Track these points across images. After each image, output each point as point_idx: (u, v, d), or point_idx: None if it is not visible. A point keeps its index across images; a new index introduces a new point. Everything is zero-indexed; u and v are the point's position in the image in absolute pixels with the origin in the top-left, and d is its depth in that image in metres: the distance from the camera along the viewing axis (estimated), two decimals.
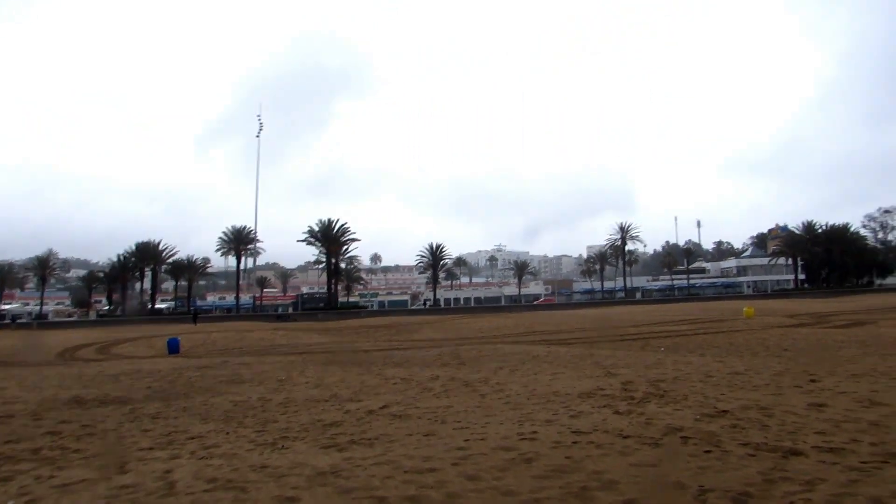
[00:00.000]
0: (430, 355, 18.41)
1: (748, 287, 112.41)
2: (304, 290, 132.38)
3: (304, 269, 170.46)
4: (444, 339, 29.40)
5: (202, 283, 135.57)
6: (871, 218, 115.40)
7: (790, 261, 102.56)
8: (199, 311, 75.04)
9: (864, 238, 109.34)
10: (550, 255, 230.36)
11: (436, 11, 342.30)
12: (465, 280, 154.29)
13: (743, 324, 27.52)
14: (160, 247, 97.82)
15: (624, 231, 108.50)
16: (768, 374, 10.83)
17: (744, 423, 6.58)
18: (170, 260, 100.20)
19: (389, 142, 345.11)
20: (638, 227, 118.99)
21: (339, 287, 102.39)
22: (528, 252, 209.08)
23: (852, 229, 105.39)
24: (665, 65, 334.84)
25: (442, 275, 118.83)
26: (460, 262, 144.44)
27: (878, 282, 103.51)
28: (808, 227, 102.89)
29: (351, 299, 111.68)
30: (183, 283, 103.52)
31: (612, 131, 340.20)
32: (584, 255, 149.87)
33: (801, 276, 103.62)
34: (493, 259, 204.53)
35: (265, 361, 18.75)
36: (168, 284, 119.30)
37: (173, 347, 26.72)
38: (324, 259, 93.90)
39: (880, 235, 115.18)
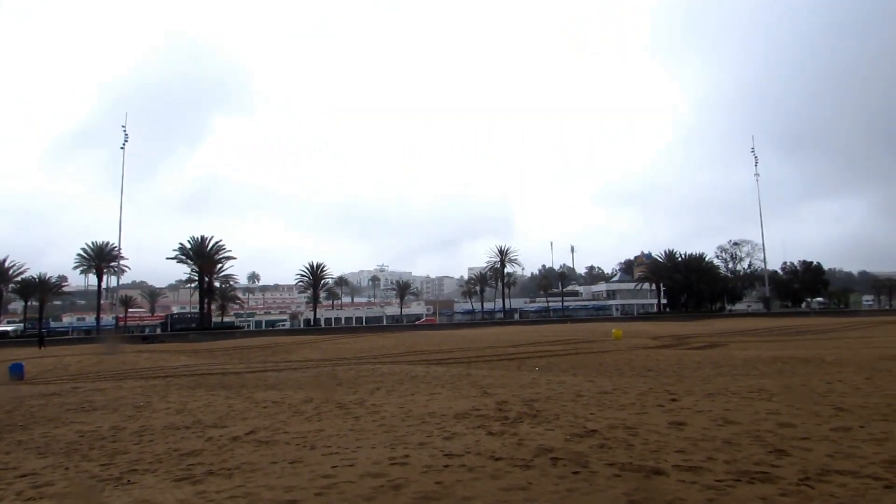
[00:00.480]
0: (305, 376, 17.73)
1: (617, 310, 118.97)
2: (175, 309, 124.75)
3: (174, 287, 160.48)
4: (323, 359, 28.56)
5: (57, 302, 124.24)
6: (722, 249, 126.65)
7: (654, 286, 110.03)
8: (46, 334, 68.23)
9: (717, 267, 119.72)
10: (433, 275, 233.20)
11: (320, 27, 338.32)
12: (347, 300, 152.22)
13: (612, 345, 28.94)
14: (6, 264, 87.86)
15: (503, 254, 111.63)
16: (634, 393, 11.29)
17: (611, 442, 6.72)
18: (18, 278, 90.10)
19: (271, 159, 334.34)
20: (516, 250, 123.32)
21: (213, 307, 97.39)
22: (410, 273, 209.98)
23: (707, 259, 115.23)
24: (546, 100, 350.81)
25: (323, 294, 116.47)
26: (342, 281, 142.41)
27: (728, 307, 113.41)
28: (670, 256, 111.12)
29: (226, 319, 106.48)
30: (35, 303, 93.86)
31: (494, 159, 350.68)
32: (466, 277, 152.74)
33: (664, 301, 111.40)
34: (375, 279, 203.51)
35: (123, 387, 17.19)
36: (17, 305, 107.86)
37: (16, 373, 23.92)
38: (196, 277, 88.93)
39: (730, 265, 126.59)
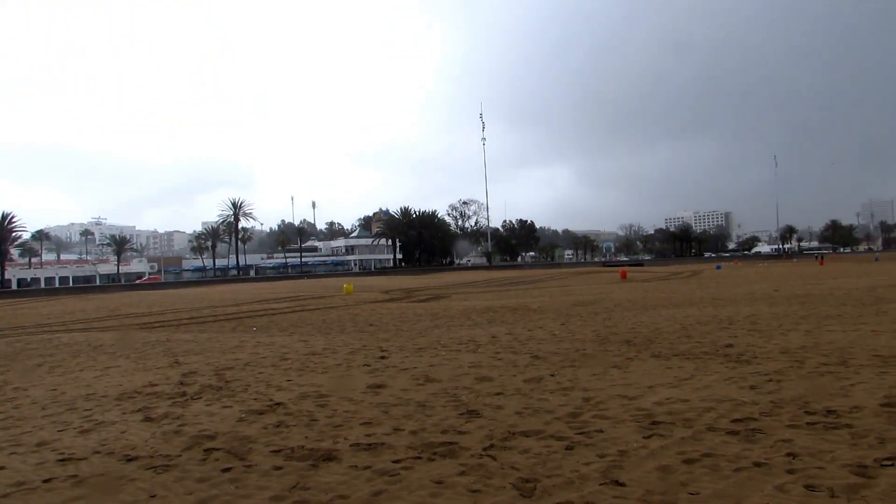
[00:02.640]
0: None
1: (355, 265, 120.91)
2: None
3: None
4: None
5: None
6: (453, 207, 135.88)
7: (390, 241, 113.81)
8: None
9: (448, 224, 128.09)
10: (161, 230, 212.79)
11: None
12: (51, 257, 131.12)
13: (341, 300, 28.39)
14: None
15: (237, 207, 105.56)
16: (344, 352, 10.50)
17: (292, 418, 5.68)
18: None
19: None
20: (252, 204, 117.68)
21: None
22: (134, 227, 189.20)
23: (439, 216, 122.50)
24: (296, 60, 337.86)
25: (17, 251, 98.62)
26: (42, 236, 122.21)
27: (457, 262, 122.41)
28: (405, 213, 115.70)
29: None
30: None
31: (235, 111, 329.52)
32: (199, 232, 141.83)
33: (399, 256, 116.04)
34: (88, 233, 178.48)
35: None
36: None
37: None
38: None
39: (460, 222, 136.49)
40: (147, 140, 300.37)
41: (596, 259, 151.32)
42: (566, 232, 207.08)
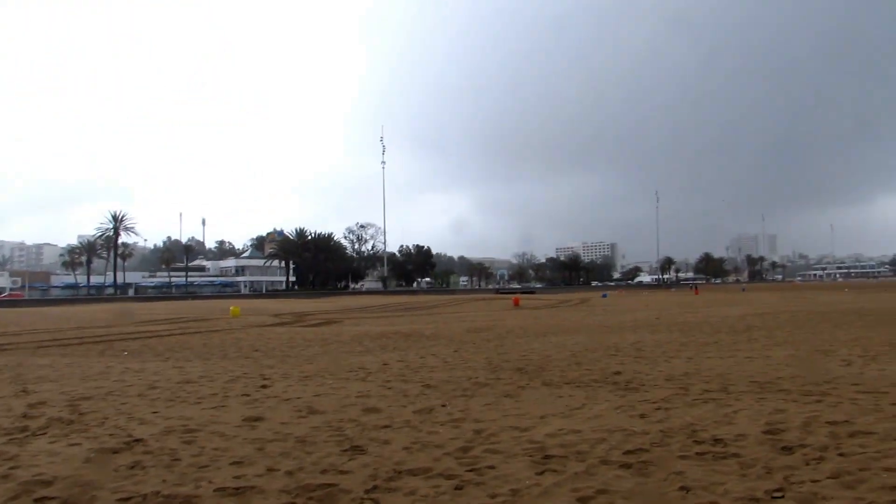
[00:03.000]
0: None
1: (245, 286, 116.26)
2: None
3: None
4: None
5: None
6: (350, 231, 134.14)
7: (283, 263, 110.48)
8: None
9: (344, 247, 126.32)
10: (30, 242, 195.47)
11: None
12: None
13: (226, 323, 26.92)
14: None
15: (118, 221, 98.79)
16: (222, 380, 9.71)
17: (151, 457, 5.01)
18: None
19: None
20: (135, 219, 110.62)
21: None
22: None
23: (336, 238, 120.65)
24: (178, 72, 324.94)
25: None
26: None
27: (352, 286, 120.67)
28: (300, 234, 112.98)
29: None
30: None
31: (118, 120, 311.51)
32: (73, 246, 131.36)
33: (293, 278, 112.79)
34: None
35: None
36: None
37: None
38: None
39: (357, 246, 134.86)
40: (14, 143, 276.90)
41: (490, 286, 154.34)
42: (462, 259, 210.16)
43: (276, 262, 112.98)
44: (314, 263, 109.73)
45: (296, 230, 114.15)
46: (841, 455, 4.41)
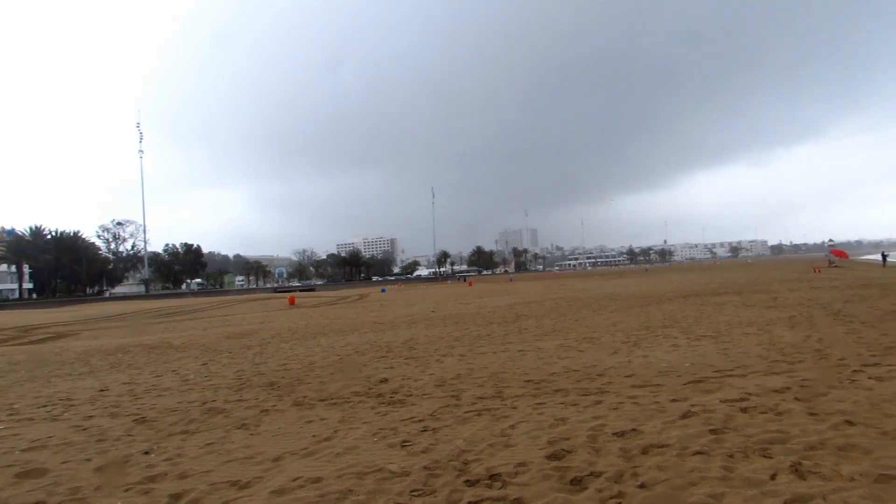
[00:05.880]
0: None
1: None
2: None
3: None
4: None
5: None
6: (105, 229, 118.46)
7: (14, 267, 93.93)
8: None
9: (97, 247, 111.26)
10: None
11: None
12: None
13: None
14: None
15: None
16: None
17: None
18: None
19: None
20: None
21: None
22: None
23: (86, 238, 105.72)
24: None
25: None
26: None
27: (108, 290, 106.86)
28: (37, 233, 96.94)
29: None
30: None
31: None
32: None
33: (30, 285, 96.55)
34: None
35: None
36: None
37: None
38: None
39: (113, 246, 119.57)
40: None
41: (268, 285, 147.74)
42: (238, 257, 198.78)
43: (4, 267, 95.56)
44: (57, 266, 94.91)
45: (30, 229, 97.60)
46: (642, 487, 3.54)
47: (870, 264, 57.13)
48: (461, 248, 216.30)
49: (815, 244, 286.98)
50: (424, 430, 5.23)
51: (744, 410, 5.03)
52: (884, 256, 54.79)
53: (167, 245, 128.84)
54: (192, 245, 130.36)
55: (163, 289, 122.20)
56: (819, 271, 41.30)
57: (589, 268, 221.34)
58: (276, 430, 5.81)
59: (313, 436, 5.44)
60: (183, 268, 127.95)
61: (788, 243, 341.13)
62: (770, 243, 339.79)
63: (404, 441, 4.93)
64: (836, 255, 59.82)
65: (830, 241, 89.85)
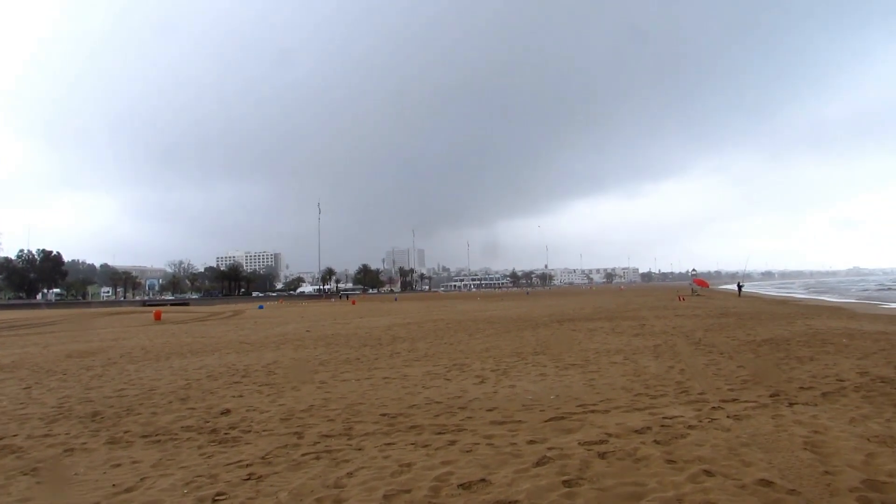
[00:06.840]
0: None
1: None
2: None
3: None
4: None
5: None
6: None
7: None
8: None
9: None
10: None
11: None
12: None
13: None
14: None
15: None
16: None
17: None
18: None
19: None
20: None
21: None
22: None
23: None
24: None
25: None
26: None
27: None
28: None
29: None
30: None
31: None
32: None
33: None
34: None
35: None
36: None
37: None
38: None
39: None
40: None
41: (138, 298, 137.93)
42: (105, 267, 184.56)
43: None
44: None
45: None
46: None
47: (727, 293, 61.69)
48: (348, 265, 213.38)
49: (680, 273, 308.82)
50: (248, 479, 4.48)
51: (602, 456, 4.69)
52: (739, 287, 59.43)
53: (21, 251, 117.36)
54: (51, 252, 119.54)
55: (16, 298, 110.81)
56: (683, 299, 43.81)
57: (473, 290, 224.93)
58: (70, 476, 4.83)
59: (113, 485, 4.53)
60: (39, 276, 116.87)
61: (657, 271, 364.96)
62: (641, 270, 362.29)
63: (217, 495, 4.15)
64: (699, 285, 64.00)
65: (693, 270, 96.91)
